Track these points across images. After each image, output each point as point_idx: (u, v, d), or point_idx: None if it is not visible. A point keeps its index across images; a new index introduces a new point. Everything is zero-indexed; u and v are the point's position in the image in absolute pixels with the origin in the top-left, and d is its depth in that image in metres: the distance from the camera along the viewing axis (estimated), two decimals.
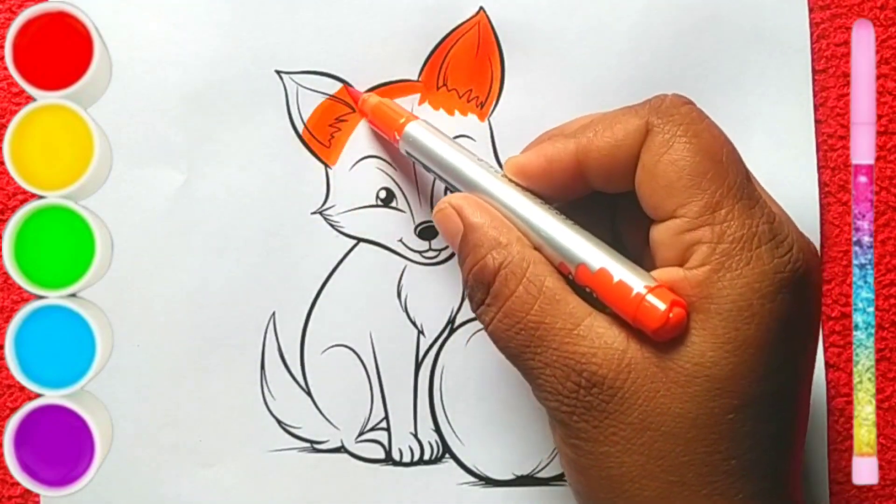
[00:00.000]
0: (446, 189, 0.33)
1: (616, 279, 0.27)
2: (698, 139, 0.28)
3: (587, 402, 0.27)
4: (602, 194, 0.30)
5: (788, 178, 0.37)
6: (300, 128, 0.37)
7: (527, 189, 0.31)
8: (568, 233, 0.29)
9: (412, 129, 0.34)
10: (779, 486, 0.27)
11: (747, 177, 0.28)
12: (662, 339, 0.27)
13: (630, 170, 0.29)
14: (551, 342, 0.28)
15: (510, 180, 0.31)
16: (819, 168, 0.37)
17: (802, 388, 0.28)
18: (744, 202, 0.27)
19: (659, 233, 0.28)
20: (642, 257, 0.31)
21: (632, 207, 0.29)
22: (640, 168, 0.28)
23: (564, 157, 0.30)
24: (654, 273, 0.28)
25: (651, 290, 0.27)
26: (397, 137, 0.34)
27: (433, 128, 0.34)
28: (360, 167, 0.37)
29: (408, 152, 0.34)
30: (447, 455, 0.37)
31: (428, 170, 0.33)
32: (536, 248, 0.30)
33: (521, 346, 0.28)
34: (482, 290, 0.29)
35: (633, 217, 0.30)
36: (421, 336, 0.37)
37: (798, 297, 0.27)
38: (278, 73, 0.37)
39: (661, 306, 0.26)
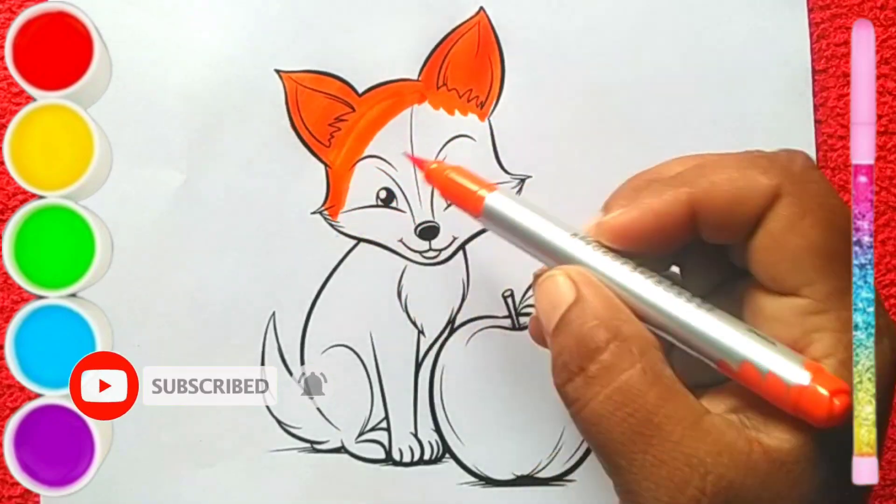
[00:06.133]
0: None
1: (766, 371, 0.24)
2: (833, 216, 0.26)
3: None
4: None
5: None
6: (300, 128, 0.37)
7: (627, 255, 0.27)
8: (704, 320, 0.25)
9: (493, 201, 0.29)
10: None
11: None
12: (828, 426, 0.24)
13: (746, 226, 0.26)
14: (671, 434, 0.24)
15: (609, 249, 0.27)
16: (819, 168, 0.37)
17: None
18: None
19: (777, 307, 0.26)
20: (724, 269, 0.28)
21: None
22: (763, 234, 0.26)
23: (676, 211, 0.26)
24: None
25: (814, 378, 0.24)
26: (475, 213, 0.30)
27: (513, 196, 0.30)
28: (360, 167, 0.37)
29: (488, 226, 0.30)
30: (447, 455, 0.37)
31: (511, 242, 0.29)
32: (655, 334, 0.26)
33: (630, 435, 0.24)
34: (584, 359, 0.25)
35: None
36: (421, 336, 0.37)
37: None
38: (278, 72, 0.37)
39: (826, 394, 0.24)
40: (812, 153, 0.37)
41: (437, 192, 0.37)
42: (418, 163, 0.33)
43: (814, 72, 0.37)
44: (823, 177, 0.27)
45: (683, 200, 0.26)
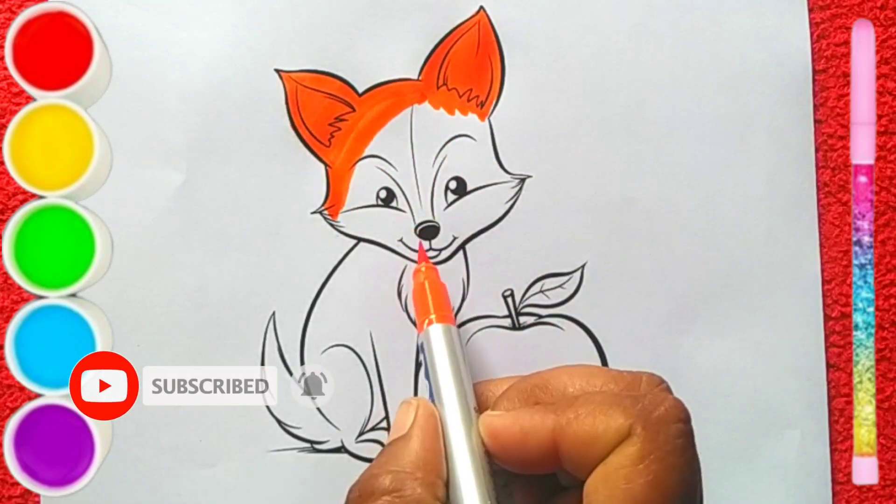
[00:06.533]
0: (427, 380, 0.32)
1: None
2: (667, 474, 0.25)
3: None
4: None
5: (788, 177, 0.37)
6: (300, 128, 0.37)
7: (492, 455, 0.28)
8: None
9: (433, 332, 0.32)
10: None
11: None
12: None
13: (598, 463, 0.26)
14: None
15: (481, 439, 0.29)
16: (819, 168, 0.37)
17: None
18: None
19: None
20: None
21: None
22: (602, 464, 0.26)
23: (541, 434, 0.27)
24: None
25: None
26: (417, 329, 0.33)
27: (454, 340, 0.32)
28: (360, 167, 0.37)
29: (421, 346, 0.33)
30: None
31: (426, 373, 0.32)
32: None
33: None
34: (369, 489, 0.27)
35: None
36: None
37: None
38: (278, 72, 0.37)
39: None
40: (812, 153, 0.37)
41: (437, 192, 0.37)
42: (421, 255, 0.36)
43: (814, 72, 0.37)
44: (682, 432, 0.26)
45: (549, 426, 0.27)
